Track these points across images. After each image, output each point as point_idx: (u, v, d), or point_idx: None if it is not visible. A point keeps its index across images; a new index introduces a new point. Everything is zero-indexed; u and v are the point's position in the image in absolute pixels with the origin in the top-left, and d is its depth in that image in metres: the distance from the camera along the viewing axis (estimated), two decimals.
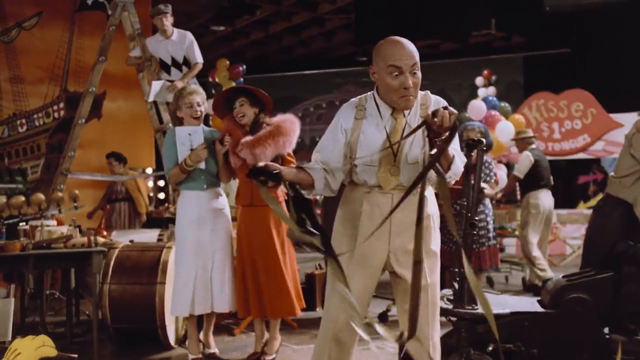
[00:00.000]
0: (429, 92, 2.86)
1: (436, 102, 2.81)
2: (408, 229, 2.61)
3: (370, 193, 2.78)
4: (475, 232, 5.85)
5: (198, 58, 6.41)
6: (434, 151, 2.50)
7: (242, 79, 10.50)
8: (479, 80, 11.08)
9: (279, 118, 4.57)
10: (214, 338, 5.06)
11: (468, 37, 13.78)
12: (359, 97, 2.89)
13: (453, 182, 2.80)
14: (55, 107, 10.12)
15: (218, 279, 4.54)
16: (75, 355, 2.39)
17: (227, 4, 12.40)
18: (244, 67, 10.61)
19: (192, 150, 4.51)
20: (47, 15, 10.05)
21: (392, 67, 2.65)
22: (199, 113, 4.64)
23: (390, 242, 2.76)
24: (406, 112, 2.77)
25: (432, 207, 2.88)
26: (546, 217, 7.43)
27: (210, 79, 10.57)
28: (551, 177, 7.74)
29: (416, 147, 2.73)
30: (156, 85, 6.26)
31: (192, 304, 4.46)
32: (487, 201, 6.07)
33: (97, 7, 10.10)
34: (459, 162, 2.74)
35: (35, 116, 10.01)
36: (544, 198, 7.35)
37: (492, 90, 13.07)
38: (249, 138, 4.40)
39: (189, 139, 4.54)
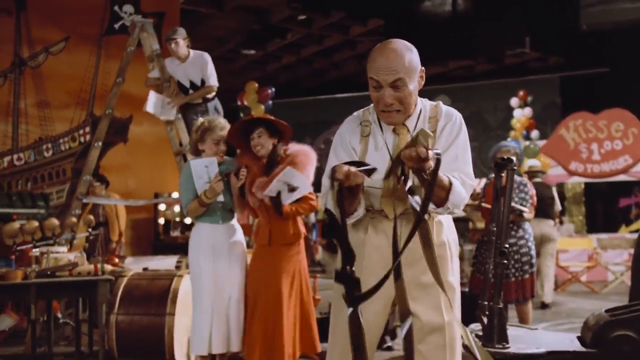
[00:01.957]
0: (441, 103, 2.52)
1: (447, 115, 2.46)
2: (421, 259, 2.13)
3: (375, 218, 2.44)
4: (515, 259, 5.53)
5: (212, 81, 6.19)
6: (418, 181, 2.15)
7: (270, 102, 10.31)
8: (515, 102, 10.75)
9: (294, 151, 4.33)
10: None
11: (503, 58, 13.49)
12: (362, 110, 2.58)
13: (457, 213, 2.44)
14: (81, 132, 10.03)
15: (235, 316, 4.33)
16: None
17: (257, 27, 12.31)
18: (273, 89, 10.43)
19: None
20: (74, 39, 10.01)
21: (371, 79, 2.37)
22: (222, 151, 4.46)
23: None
24: (410, 126, 2.44)
25: (447, 234, 2.52)
26: (540, 244, 7.54)
27: (239, 103, 10.41)
28: (550, 208, 7.97)
29: None
30: (152, 96, 6.09)
31: (210, 342, 4.23)
32: (528, 225, 5.71)
33: (124, 31, 10.03)
34: (461, 190, 2.35)
35: (61, 140, 9.93)
36: (536, 226, 7.04)
37: (528, 111, 12.73)
38: (264, 179, 4.21)
39: (206, 171, 4.33)
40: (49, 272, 4.42)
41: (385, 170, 2.29)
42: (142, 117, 9.99)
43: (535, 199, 5.98)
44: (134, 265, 5.44)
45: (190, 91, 6.26)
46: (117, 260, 5.36)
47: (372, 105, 2.50)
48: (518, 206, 5.42)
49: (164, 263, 5.98)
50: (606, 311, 3.39)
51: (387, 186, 2.37)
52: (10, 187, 9.47)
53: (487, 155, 7.92)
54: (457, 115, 2.46)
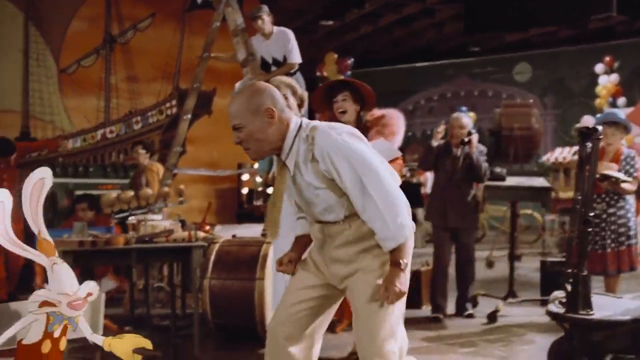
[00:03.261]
0: (319, 124, 2.58)
1: (323, 134, 2.53)
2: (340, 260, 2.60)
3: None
4: (612, 230, 5.43)
5: (295, 58, 6.31)
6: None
7: (350, 72, 10.40)
8: (600, 68, 10.42)
9: (385, 113, 4.40)
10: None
11: (587, 23, 13.00)
12: None
13: None
14: (167, 105, 10.42)
15: None
16: (159, 354, 2.33)
17: None
18: (352, 60, 10.50)
19: None
20: (160, 16, 10.36)
21: None
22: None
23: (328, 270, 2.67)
24: (283, 156, 2.58)
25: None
26: None
27: (319, 73, 10.54)
28: None
29: (302, 179, 2.55)
30: (239, 84, 6.27)
31: None
32: (630, 197, 5.54)
33: (207, 6, 10.29)
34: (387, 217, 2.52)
35: (149, 114, 10.35)
36: None
37: (614, 77, 12.29)
38: None
39: None
40: (147, 239, 4.70)
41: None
42: (225, 90, 10.28)
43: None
44: (223, 233, 5.70)
45: (273, 68, 6.41)
46: (208, 227, 5.62)
47: None
48: (615, 173, 5.22)
49: (250, 231, 6.21)
50: None
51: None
52: (103, 159, 9.97)
53: (569, 124, 7.74)
54: (336, 129, 2.54)
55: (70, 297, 2.04)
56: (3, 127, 8.76)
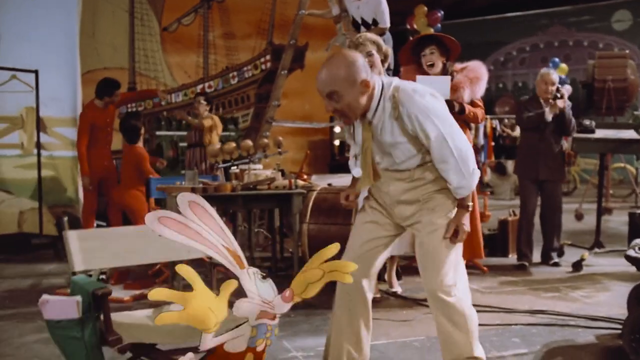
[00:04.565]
0: (402, 85, 2.81)
1: (407, 96, 2.77)
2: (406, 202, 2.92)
3: None
4: None
5: (385, 22, 6.50)
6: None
7: (439, 25, 10.45)
8: None
9: (469, 64, 4.64)
10: (407, 279, 5.32)
11: None
12: None
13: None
14: (262, 60, 10.82)
15: None
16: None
17: None
18: (442, 12, 10.54)
19: None
20: None
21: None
22: (369, 63, 4.75)
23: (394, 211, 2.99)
24: (369, 115, 2.81)
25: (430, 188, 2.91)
26: None
27: (408, 26, 10.64)
28: None
29: (387, 135, 2.81)
30: (332, 41, 6.52)
31: None
32: None
33: None
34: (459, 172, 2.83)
35: (245, 69, 10.79)
36: None
37: None
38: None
39: None
40: (251, 186, 5.14)
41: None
42: (317, 45, 10.58)
43: None
44: (319, 182, 6.07)
45: (362, 29, 6.64)
46: (305, 176, 6.01)
47: None
48: None
49: (344, 180, 6.55)
50: None
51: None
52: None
53: None
54: (419, 91, 2.78)
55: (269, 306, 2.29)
56: None
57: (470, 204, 2.86)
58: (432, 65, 4.69)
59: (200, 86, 10.51)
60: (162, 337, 2.66)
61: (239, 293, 2.25)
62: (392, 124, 2.79)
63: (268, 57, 10.83)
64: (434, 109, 2.76)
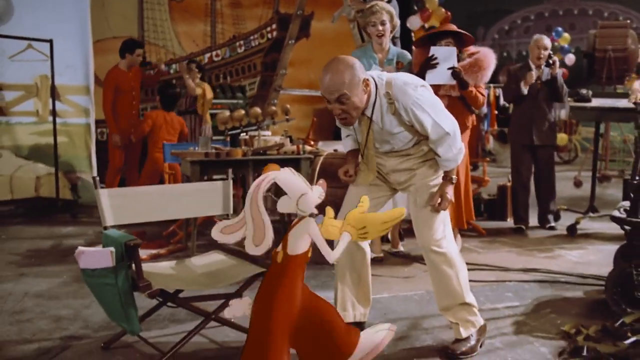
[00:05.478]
0: (393, 80, 3.04)
1: (400, 92, 3.02)
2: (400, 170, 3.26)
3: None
4: None
5: None
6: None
7: None
8: None
9: (479, 53, 4.88)
10: (409, 240, 5.61)
11: None
12: None
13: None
14: (268, 29, 10.96)
15: None
16: None
17: None
18: None
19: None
20: None
21: (323, 96, 2.99)
22: (382, 32, 4.95)
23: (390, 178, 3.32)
24: (368, 112, 3.07)
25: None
26: None
27: None
28: None
29: (387, 128, 3.11)
30: (338, 13, 6.70)
31: None
32: None
33: None
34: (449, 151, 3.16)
35: (251, 37, 10.93)
36: None
37: None
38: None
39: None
40: (261, 151, 5.40)
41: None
42: (322, 14, 10.72)
43: None
44: (325, 148, 6.32)
45: (368, 0, 6.83)
46: (313, 142, 6.25)
47: None
48: None
49: None
50: None
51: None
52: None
53: None
54: (410, 85, 3.03)
55: None
56: None
57: (455, 177, 3.18)
58: None
59: (208, 54, 10.69)
60: (186, 284, 2.95)
61: None
62: (391, 118, 3.08)
63: (274, 26, 10.96)
64: (426, 99, 3.05)
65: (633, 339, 3.08)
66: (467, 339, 3.16)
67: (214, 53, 10.75)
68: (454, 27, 4.98)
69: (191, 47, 10.62)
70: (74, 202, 7.51)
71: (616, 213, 3.68)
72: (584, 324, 3.41)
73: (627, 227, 3.65)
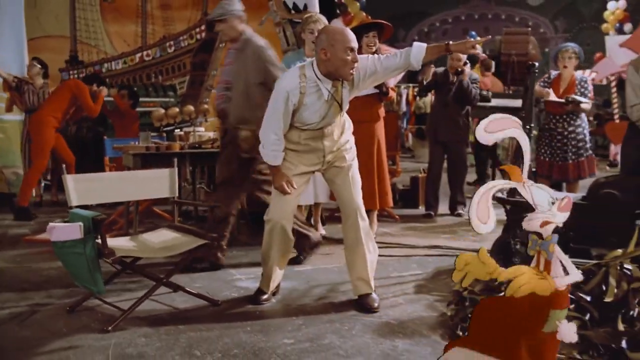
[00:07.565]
0: None
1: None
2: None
3: (305, 131, 3.79)
4: (573, 144, 6.49)
5: (314, 8, 7.32)
6: None
7: None
8: None
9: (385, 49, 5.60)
10: (329, 225, 6.26)
11: None
12: (298, 68, 3.71)
13: None
14: (197, 30, 11.45)
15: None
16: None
17: None
18: None
19: None
20: None
21: (349, 48, 3.53)
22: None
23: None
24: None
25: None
26: None
27: None
28: None
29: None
30: (265, 17, 7.33)
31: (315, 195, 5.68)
32: (584, 115, 6.52)
33: None
34: None
35: (181, 38, 11.41)
36: None
37: (622, 3, 12.89)
38: None
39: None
40: (197, 145, 5.95)
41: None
42: (251, 16, 11.24)
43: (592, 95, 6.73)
44: None
45: (293, 12, 7.46)
46: None
47: (308, 63, 3.70)
48: (578, 97, 6.23)
49: None
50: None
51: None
52: (141, 79, 11.12)
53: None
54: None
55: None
56: (56, 50, 9.89)
57: None
58: (373, 46, 5.58)
59: (139, 54, 11.10)
60: (143, 253, 3.52)
61: None
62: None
63: (203, 27, 11.46)
64: None
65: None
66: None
67: (144, 53, 11.17)
68: (376, 20, 5.69)
69: (123, 47, 11.02)
70: (13, 195, 7.82)
71: (498, 194, 4.43)
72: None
73: (507, 206, 4.41)
